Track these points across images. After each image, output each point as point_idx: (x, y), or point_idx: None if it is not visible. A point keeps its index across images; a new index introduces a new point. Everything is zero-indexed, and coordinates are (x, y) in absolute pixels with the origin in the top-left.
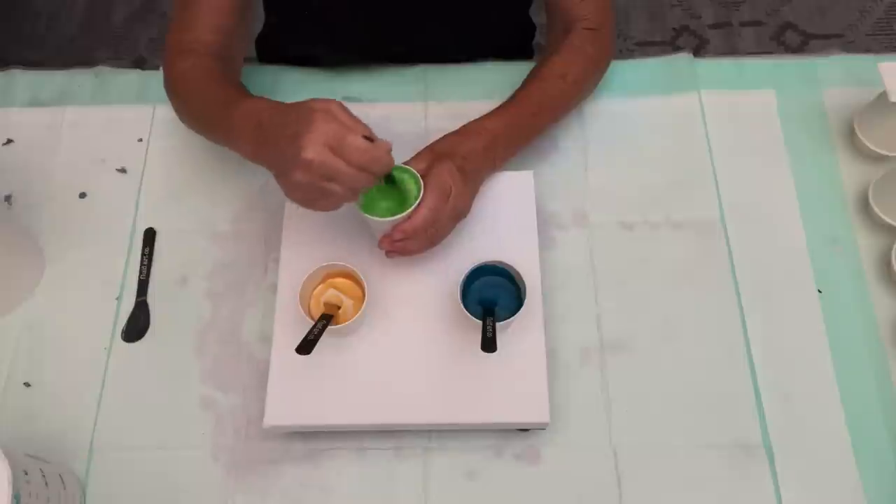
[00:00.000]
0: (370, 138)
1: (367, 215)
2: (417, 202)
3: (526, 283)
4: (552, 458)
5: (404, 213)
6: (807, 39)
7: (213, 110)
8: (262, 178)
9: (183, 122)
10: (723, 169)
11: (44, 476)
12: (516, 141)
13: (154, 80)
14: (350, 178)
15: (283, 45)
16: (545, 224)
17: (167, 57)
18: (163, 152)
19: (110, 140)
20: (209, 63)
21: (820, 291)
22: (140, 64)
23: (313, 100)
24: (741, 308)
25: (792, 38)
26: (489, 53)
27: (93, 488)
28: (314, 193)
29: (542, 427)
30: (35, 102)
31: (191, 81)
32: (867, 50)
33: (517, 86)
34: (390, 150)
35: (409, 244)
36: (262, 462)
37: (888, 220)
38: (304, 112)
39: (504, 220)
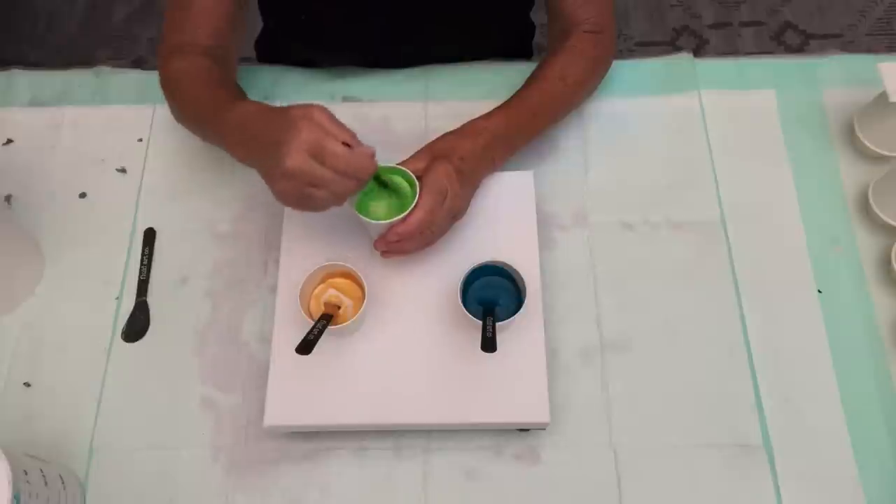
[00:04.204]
0: (351, 144)
1: (362, 217)
2: (413, 204)
3: (526, 283)
4: (552, 458)
5: (400, 216)
6: (807, 39)
7: (206, 112)
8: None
9: (178, 122)
10: (723, 169)
11: (44, 476)
12: (515, 141)
13: (154, 79)
14: (333, 184)
15: (282, 49)
16: (545, 224)
17: (161, 58)
18: (163, 152)
19: (110, 140)
20: (204, 63)
21: (820, 291)
22: (140, 64)
23: (296, 106)
24: (741, 308)
25: (792, 38)
26: (489, 54)
27: (93, 488)
28: (300, 199)
29: (542, 427)
30: (35, 102)
31: (185, 82)
32: (867, 50)
33: (517, 86)
34: (373, 154)
35: (405, 245)
36: (262, 462)
37: (888, 220)
38: (286, 119)
39: (504, 220)
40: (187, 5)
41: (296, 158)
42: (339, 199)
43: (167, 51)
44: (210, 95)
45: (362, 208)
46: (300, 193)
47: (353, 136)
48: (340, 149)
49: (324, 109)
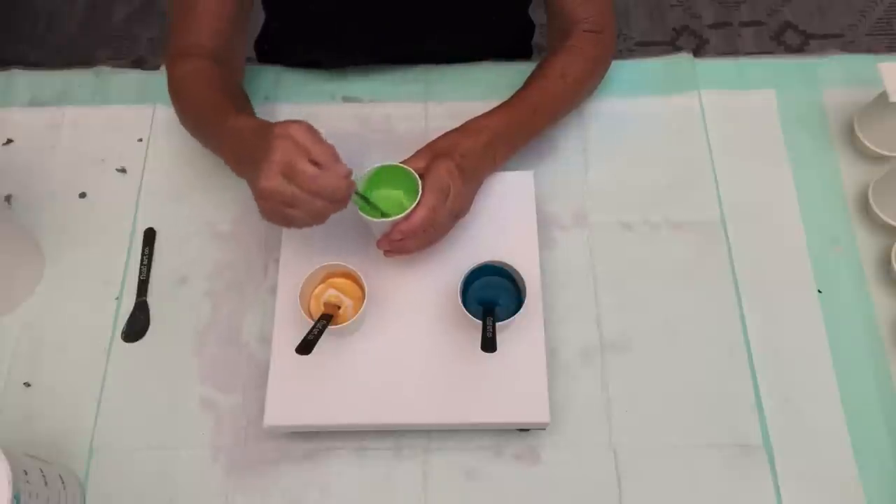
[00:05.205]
0: (323, 163)
1: (364, 215)
2: (416, 202)
3: (526, 283)
4: (552, 458)
5: (403, 214)
6: (807, 39)
7: (206, 120)
8: None
9: (183, 126)
10: (723, 169)
11: (44, 476)
12: (516, 139)
13: (154, 80)
14: (306, 204)
15: (285, 49)
16: (545, 224)
17: (168, 62)
18: (163, 152)
19: (110, 140)
20: (209, 67)
21: (820, 291)
22: (140, 64)
23: (279, 123)
24: (741, 308)
25: (792, 38)
26: (488, 53)
27: (93, 488)
28: (282, 218)
29: (542, 427)
30: (35, 102)
31: (189, 86)
32: (867, 50)
33: (517, 86)
34: (348, 175)
35: (408, 243)
36: (262, 462)
37: (888, 220)
38: (266, 138)
39: (504, 220)
40: (191, 6)
41: (268, 179)
42: (317, 219)
43: (175, 52)
44: (211, 103)
45: (364, 207)
46: (279, 213)
47: (331, 154)
48: (310, 169)
49: (304, 126)
